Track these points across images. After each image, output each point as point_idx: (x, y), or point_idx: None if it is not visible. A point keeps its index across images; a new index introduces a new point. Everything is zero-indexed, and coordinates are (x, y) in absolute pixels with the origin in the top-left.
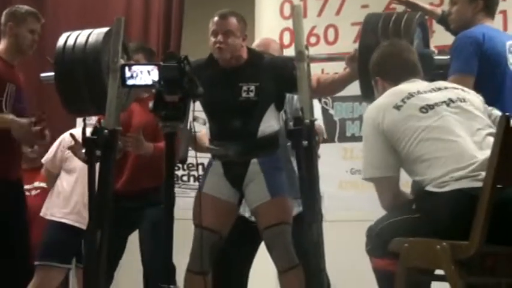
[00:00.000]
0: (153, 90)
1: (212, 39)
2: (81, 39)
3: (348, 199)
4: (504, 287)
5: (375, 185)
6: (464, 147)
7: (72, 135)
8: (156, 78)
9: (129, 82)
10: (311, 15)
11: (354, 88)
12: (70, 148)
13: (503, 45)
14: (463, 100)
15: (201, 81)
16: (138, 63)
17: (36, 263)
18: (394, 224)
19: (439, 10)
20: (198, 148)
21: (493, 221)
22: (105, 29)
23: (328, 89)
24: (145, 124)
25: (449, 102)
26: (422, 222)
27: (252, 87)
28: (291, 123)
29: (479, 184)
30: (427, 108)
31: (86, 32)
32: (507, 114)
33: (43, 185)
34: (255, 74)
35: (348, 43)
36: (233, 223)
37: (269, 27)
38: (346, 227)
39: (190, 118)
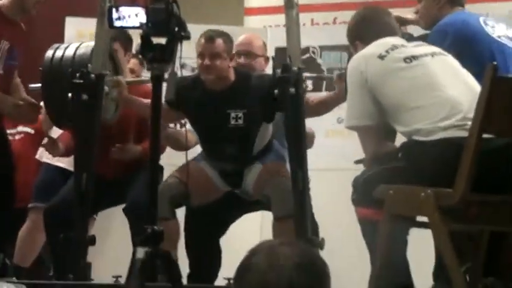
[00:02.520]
0: (140, 32)
1: (199, 61)
2: (70, 51)
3: (335, 148)
4: (487, 235)
5: (358, 134)
6: (450, 96)
7: (49, 137)
8: (144, 20)
9: (117, 24)
10: None
11: (342, 37)
12: (43, 146)
13: (478, 21)
14: (447, 55)
15: (188, 103)
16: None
17: (29, 205)
18: (379, 173)
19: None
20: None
21: (478, 170)
22: (93, 42)
23: (316, 110)
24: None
25: (433, 54)
26: (408, 171)
27: (240, 114)
28: (278, 71)
29: (466, 133)
30: (411, 58)
31: (75, 44)
32: (494, 63)
33: (27, 129)
34: (242, 100)
35: None
36: (208, 201)
37: None
38: (333, 175)
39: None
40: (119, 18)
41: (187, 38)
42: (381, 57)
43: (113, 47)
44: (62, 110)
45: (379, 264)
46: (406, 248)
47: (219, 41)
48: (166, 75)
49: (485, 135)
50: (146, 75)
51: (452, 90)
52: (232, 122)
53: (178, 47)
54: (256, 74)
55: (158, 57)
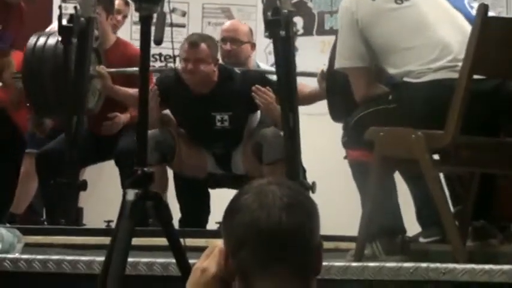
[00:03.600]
0: None
1: (183, 65)
2: (52, 41)
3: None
4: (477, 177)
5: (349, 75)
6: (441, 37)
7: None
8: None
9: None
10: None
11: None
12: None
13: (463, 3)
14: None
15: (172, 104)
16: None
17: (26, 150)
18: (369, 115)
19: None
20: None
21: (469, 111)
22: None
23: (301, 103)
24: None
25: None
26: (399, 113)
27: (226, 117)
28: (268, 13)
29: (457, 75)
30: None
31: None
32: (485, 3)
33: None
34: (226, 103)
35: None
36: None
37: None
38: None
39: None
40: None
41: None
42: None
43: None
44: (44, 100)
45: (370, 208)
46: (396, 191)
47: (203, 46)
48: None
49: (476, 76)
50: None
51: (443, 31)
52: (218, 124)
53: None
54: (240, 72)
55: None
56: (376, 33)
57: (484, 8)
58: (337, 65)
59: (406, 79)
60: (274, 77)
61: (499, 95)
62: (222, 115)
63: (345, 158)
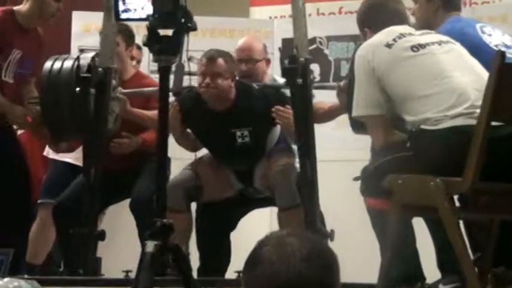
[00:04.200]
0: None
1: (200, 79)
2: (68, 64)
3: (343, 139)
4: (497, 224)
5: (366, 123)
6: (457, 85)
7: None
8: (150, 12)
9: (123, 16)
10: None
11: (348, 27)
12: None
13: (475, 30)
14: (455, 43)
15: (192, 124)
16: None
17: (38, 201)
18: (387, 163)
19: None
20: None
21: (487, 158)
22: (91, 53)
23: (320, 120)
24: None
25: (440, 42)
26: (417, 160)
27: (246, 132)
28: (286, 61)
29: (474, 122)
30: (419, 47)
31: (73, 56)
32: (502, 50)
33: None
34: (246, 118)
35: None
36: (220, 197)
37: None
38: (342, 166)
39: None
40: (125, 11)
41: (194, 29)
42: (388, 45)
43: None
44: (60, 122)
45: (389, 255)
46: (415, 238)
47: (220, 61)
48: (173, 67)
49: (493, 123)
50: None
51: (460, 78)
52: (239, 140)
53: (185, 39)
54: (258, 87)
55: (165, 49)
56: (393, 82)
57: (501, 55)
58: (355, 113)
59: (423, 126)
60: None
61: None
62: (242, 131)
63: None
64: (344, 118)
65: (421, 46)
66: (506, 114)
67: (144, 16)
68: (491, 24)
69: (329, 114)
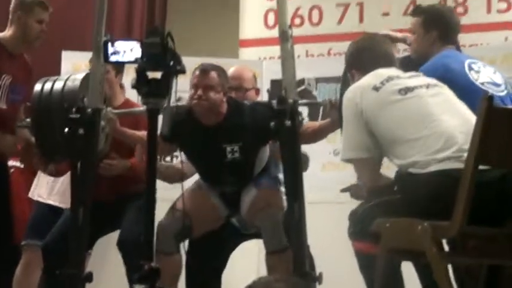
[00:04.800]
0: (135, 67)
1: (192, 92)
2: (59, 85)
3: (331, 181)
4: (485, 268)
5: (354, 166)
6: (445, 128)
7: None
8: (139, 55)
9: (112, 58)
10: None
11: (337, 69)
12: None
13: (461, 65)
14: (442, 87)
15: (182, 139)
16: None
17: (22, 243)
18: (375, 207)
19: (410, 35)
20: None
21: (475, 202)
22: (82, 74)
23: (311, 138)
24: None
25: (427, 85)
26: (405, 204)
27: (236, 148)
28: (274, 102)
29: (462, 165)
30: (406, 90)
31: (63, 77)
32: (489, 94)
33: (17, 164)
34: (236, 134)
35: (332, 24)
36: (209, 231)
37: (254, 8)
38: (329, 208)
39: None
40: (114, 53)
41: (183, 72)
42: (376, 88)
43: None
44: (52, 144)
45: None
46: (403, 282)
47: (213, 74)
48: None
49: (481, 167)
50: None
51: (447, 121)
52: (229, 156)
53: (174, 81)
54: (249, 104)
55: (153, 91)
56: (381, 125)
57: (488, 99)
58: (343, 156)
59: (411, 170)
60: None
61: (505, 185)
62: (232, 146)
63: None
64: (331, 160)
65: (409, 89)
66: (493, 158)
67: (132, 59)
68: (483, 62)
69: (319, 133)
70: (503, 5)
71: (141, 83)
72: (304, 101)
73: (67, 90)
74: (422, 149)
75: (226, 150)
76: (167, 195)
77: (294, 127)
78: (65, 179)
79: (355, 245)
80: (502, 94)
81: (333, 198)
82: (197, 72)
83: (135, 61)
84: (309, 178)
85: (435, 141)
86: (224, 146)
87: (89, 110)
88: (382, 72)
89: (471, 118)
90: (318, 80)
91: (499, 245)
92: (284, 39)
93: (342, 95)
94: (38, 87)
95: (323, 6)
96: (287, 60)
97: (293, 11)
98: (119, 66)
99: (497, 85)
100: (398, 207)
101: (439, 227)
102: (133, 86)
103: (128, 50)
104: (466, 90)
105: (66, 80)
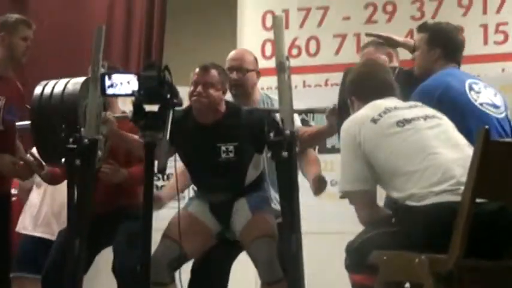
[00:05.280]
0: (132, 100)
1: (192, 88)
2: (59, 88)
3: (328, 211)
4: None
5: (351, 199)
6: (443, 161)
7: (31, 154)
8: (136, 87)
9: (109, 91)
10: (293, 27)
11: (334, 100)
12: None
13: (462, 85)
14: (439, 117)
15: (178, 135)
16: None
17: (11, 275)
18: (372, 239)
19: (411, 41)
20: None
21: (472, 234)
22: (82, 78)
23: (308, 143)
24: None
25: (425, 117)
26: (402, 236)
27: (231, 148)
28: (271, 134)
29: (459, 198)
30: (404, 122)
31: (63, 80)
32: (486, 127)
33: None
34: (232, 134)
35: (329, 55)
36: (206, 250)
37: (251, 38)
38: (327, 239)
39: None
40: (111, 86)
41: (180, 105)
42: (374, 120)
43: None
44: (52, 148)
45: None
46: None
47: (213, 72)
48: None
49: (478, 200)
50: None
51: (445, 154)
52: (223, 155)
53: (171, 114)
54: (247, 108)
55: (150, 124)
56: (379, 157)
57: (485, 132)
58: (340, 188)
59: (408, 202)
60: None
61: (502, 218)
62: (227, 145)
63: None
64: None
65: (407, 121)
66: (491, 191)
67: (129, 92)
68: (484, 83)
69: (317, 137)
70: (500, 37)
71: (138, 116)
72: (304, 108)
73: (67, 94)
74: (420, 181)
75: (221, 149)
76: (163, 226)
77: (291, 158)
78: (48, 210)
79: (353, 277)
80: (500, 116)
81: (330, 229)
82: (197, 70)
83: (132, 94)
84: (307, 208)
85: (432, 174)
86: (219, 144)
87: (86, 140)
88: (380, 104)
89: (469, 151)
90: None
91: (496, 278)
92: (281, 69)
93: (340, 97)
94: (38, 90)
95: (320, 37)
96: (284, 90)
97: (290, 42)
98: None
99: (497, 107)
100: (396, 239)
101: (437, 260)
102: (131, 119)
103: (124, 83)
104: (465, 110)
105: (67, 83)
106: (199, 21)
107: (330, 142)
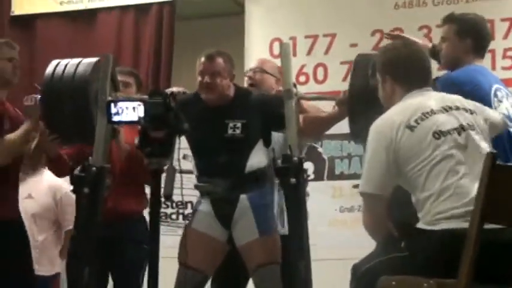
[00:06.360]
0: (139, 126)
1: (199, 79)
2: (70, 69)
3: (338, 237)
4: None
5: (367, 201)
6: (461, 185)
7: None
8: (142, 114)
9: (115, 118)
10: (300, 54)
11: (342, 126)
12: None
13: (490, 88)
14: (472, 128)
15: (187, 118)
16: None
17: None
18: (381, 263)
19: (429, 44)
20: None
21: (481, 261)
22: (94, 59)
23: (316, 128)
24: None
25: (460, 130)
26: (411, 261)
27: (239, 124)
28: (279, 161)
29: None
30: (440, 134)
31: (75, 61)
32: (493, 151)
33: None
34: (241, 111)
35: (337, 82)
36: (222, 261)
37: None
38: (336, 265)
39: (176, 155)
40: (117, 113)
41: (185, 131)
42: (410, 128)
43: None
44: (63, 127)
45: None
46: None
47: (219, 60)
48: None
49: (490, 226)
50: None
51: (465, 178)
52: (230, 131)
53: (177, 141)
54: (256, 91)
55: (156, 151)
56: (408, 169)
57: (491, 157)
58: (361, 188)
59: (418, 225)
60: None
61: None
62: (235, 122)
63: None
64: (337, 217)
65: (442, 134)
66: (499, 216)
67: (135, 118)
68: (507, 90)
69: (328, 121)
70: (508, 62)
71: (144, 143)
72: (314, 95)
73: (78, 74)
74: (437, 204)
75: (228, 125)
76: (171, 253)
77: (299, 184)
78: (38, 246)
79: None
80: None
81: (340, 255)
82: (203, 59)
83: (138, 121)
84: (316, 234)
85: (448, 198)
86: (227, 121)
87: (94, 168)
88: (416, 107)
89: None
90: (322, 137)
91: None
92: (288, 96)
93: (352, 84)
94: (49, 70)
95: (328, 64)
96: (291, 117)
97: (298, 69)
98: (140, 85)
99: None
100: (405, 264)
101: (445, 285)
102: (137, 147)
103: (130, 110)
104: None
105: (78, 64)
106: (206, 48)
107: (339, 169)
